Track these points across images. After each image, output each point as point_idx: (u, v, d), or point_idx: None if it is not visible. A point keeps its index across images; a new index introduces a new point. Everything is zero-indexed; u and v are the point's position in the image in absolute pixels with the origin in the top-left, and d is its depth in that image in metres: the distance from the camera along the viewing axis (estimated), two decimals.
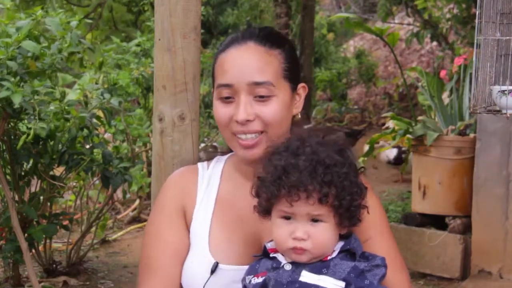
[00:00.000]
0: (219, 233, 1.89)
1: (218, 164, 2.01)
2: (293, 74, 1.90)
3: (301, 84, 1.93)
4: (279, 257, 1.74)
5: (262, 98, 1.84)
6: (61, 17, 3.97)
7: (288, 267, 1.70)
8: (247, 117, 1.83)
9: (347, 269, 1.67)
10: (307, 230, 1.69)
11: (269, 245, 1.77)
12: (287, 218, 1.71)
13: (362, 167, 1.80)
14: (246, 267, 1.80)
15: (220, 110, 1.88)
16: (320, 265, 1.69)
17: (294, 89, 1.91)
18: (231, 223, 1.88)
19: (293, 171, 1.69)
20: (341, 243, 1.74)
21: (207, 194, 1.95)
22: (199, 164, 2.02)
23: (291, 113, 1.91)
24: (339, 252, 1.72)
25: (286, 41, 1.94)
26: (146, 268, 1.93)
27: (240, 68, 1.85)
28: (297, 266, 1.70)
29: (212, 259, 1.86)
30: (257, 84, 1.83)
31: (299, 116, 1.96)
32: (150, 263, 1.93)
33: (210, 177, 1.98)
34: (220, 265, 1.85)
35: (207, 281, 1.84)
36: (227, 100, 1.86)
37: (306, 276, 1.67)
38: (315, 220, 1.70)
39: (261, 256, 1.78)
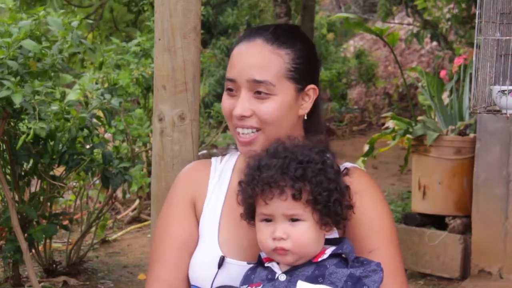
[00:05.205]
0: (228, 227, 1.90)
1: (232, 158, 2.03)
2: (301, 75, 1.89)
3: (311, 86, 1.92)
4: (274, 266, 1.73)
5: (260, 95, 1.86)
6: (62, 18, 3.98)
7: (282, 277, 1.69)
8: (242, 113, 1.86)
9: (343, 277, 1.65)
10: (286, 229, 1.68)
11: (263, 254, 1.76)
12: (268, 220, 1.71)
13: (346, 168, 1.80)
14: (250, 264, 1.80)
15: (225, 101, 1.93)
16: (315, 274, 1.67)
17: (300, 90, 1.90)
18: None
19: (265, 169, 1.70)
20: (332, 248, 1.72)
21: (218, 187, 1.97)
22: (213, 158, 2.04)
23: (294, 113, 1.90)
24: (332, 257, 1.70)
25: (299, 41, 1.93)
26: (154, 258, 1.97)
27: (243, 65, 1.88)
28: (292, 275, 1.68)
29: (220, 252, 1.87)
30: (256, 82, 1.86)
31: (305, 117, 1.95)
32: (158, 254, 1.96)
33: (222, 170, 2.00)
34: (227, 259, 1.86)
35: (216, 275, 1.85)
36: (231, 93, 1.90)
37: (302, 287, 1.66)
38: (294, 219, 1.69)
39: (256, 264, 1.78)
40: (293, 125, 1.91)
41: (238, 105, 1.87)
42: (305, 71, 1.90)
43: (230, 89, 1.90)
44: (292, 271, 1.69)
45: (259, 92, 1.86)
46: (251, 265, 1.78)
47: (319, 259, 1.69)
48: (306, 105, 1.92)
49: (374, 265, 1.69)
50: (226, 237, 1.89)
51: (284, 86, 1.87)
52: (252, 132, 1.88)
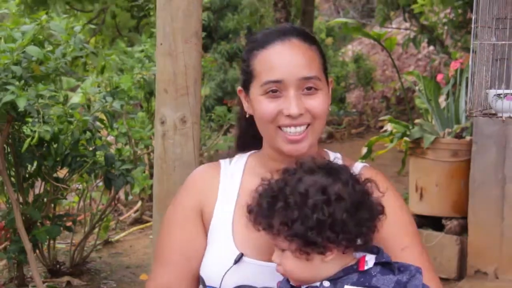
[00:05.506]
0: (243, 226, 1.86)
1: (240, 159, 2.02)
2: (326, 69, 1.95)
3: (330, 79, 1.98)
4: None
5: (310, 91, 1.87)
6: (65, 22, 4.01)
7: (326, 284, 1.69)
8: (299, 111, 1.85)
9: (391, 284, 1.66)
10: (278, 256, 1.73)
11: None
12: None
13: (367, 179, 1.76)
14: (269, 264, 1.81)
15: (268, 105, 1.88)
16: (360, 281, 1.67)
17: (327, 83, 1.95)
18: None
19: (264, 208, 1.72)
20: (372, 256, 1.72)
21: (229, 187, 1.96)
22: (221, 161, 2.04)
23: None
24: (374, 265, 1.70)
25: (315, 38, 1.99)
26: (158, 259, 1.99)
27: (289, 64, 1.87)
28: (336, 284, 1.68)
29: (237, 250, 1.87)
30: (307, 78, 1.86)
31: (330, 109, 1.99)
32: (162, 255, 1.98)
33: (233, 171, 1.99)
34: (244, 257, 1.86)
35: (228, 269, 1.85)
36: (274, 94, 1.87)
37: None
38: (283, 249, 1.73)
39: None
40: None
41: (293, 104, 1.85)
42: (326, 66, 1.96)
43: (273, 91, 1.87)
44: (336, 280, 1.69)
45: (309, 88, 1.87)
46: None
47: (365, 268, 1.69)
48: (329, 98, 1.97)
49: (413, 270, 1.70)
50: (241, 237, 1.88)
51: (323, 80, 1.91)
52: (303, 129, 1.88)
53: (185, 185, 2.03)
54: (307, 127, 1.88)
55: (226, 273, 1.85)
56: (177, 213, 1.99)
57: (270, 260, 1.80)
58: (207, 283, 1.90)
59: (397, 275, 1.68)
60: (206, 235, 1.95)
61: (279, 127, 1.88)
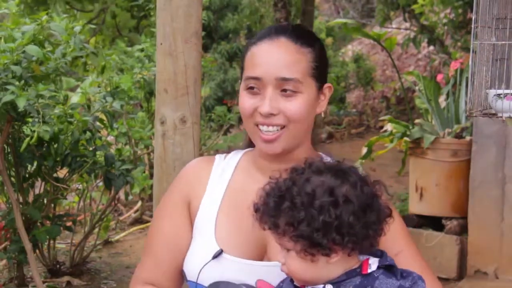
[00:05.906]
0: (226, 223, 1.89)
1: (235, 155, 2.02)
2: (321, 73, 1.92)
3: (327, 84, 1.95)
4: None
5: (287, 93, 1.85)
6: (65, 22, 4.02)
7: (329, 287, 1.69)
8: (270, 111, 1.84)
9: None
10: (283, 255, 1.70)
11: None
12: None
13: (376, 181, 1.75)
14: (250, 261, 1.83)
15: (246, 101, 1.89)
16: (363, 284, 1.67)
17: (319, 88, 1.92)
18: (239, 213, 1.85)
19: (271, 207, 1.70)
20: (376, 259, 1.71)
21: (218, 183, 1.96)
22: (217, 155, 2.03)
23: (314, 111, 1.92)
24: (378, 268, 1.69)
25: (317, 40, 1.96)
26: (146, 248, 2.00)
27: (270, 63, 1.86)
28: (339, 286, 1.68)
29: (217, 247, 1.86)
30: (285, 79, 1.84)
31: (323, 115, 1.97)
32: (149, 248, 1.99)
33: (225, 167, 1.99)
34: (224, 254, 1.86)
35: (206, 263, 1.85)
36: (253, 91, 1.87)
37: None
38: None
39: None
40: (311, 123, 1.94)
41: (266, 103, 1.84)
42: (322, 70, 1.93)
43: (251, 88, 1.87)
44: (339, 283, 1.69)
45: (285, 90, 1.85)
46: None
47: (369, 271, 1.69)
48: (323, 103, 1.94)
49: (416, 277, 1.70)
50: (223, 233, 1.89)
51: (309, 84, 1.88)
52: (277, 130, 1.87)
53: (178, 177, 2.04)
54: (281, 129, 1.87)
55: (203, 267, 1.85)
56: (167, 204, 2.00)
57: (250, 258, 1.83)
58: (188, 278, 1.92)
59: (400, 280, 1.68)
60: (192, 229, 1.96)
61: (256, 125, 1.88)
